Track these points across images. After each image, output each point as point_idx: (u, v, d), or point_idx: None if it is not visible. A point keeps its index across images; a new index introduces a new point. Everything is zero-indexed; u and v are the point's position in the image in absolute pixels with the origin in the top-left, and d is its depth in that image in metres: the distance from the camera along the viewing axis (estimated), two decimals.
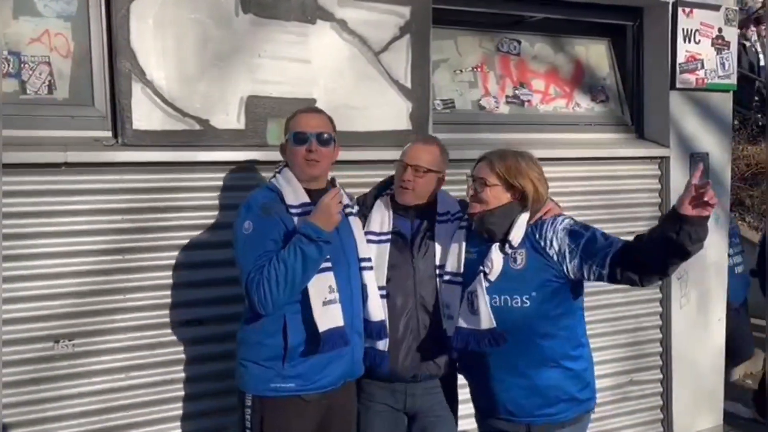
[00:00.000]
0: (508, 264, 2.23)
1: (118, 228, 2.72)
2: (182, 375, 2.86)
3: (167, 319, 2.82)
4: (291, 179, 2.34)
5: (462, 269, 2.35)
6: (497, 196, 2.26)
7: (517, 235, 2.23)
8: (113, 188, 2.71)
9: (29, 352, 2.61)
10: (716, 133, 3.97)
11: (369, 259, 2.40)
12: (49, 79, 2.72)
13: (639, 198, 3.85)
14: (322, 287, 2.24)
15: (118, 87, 2.72)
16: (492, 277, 2.22)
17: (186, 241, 2.83)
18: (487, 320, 2.19)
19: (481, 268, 2.24)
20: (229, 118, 2.89)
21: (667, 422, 3.96)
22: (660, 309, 3.90)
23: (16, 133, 2.57)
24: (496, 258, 2.23)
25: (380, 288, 2.40)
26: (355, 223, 2.44)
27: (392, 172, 2.52)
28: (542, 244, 2.22)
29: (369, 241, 2.43)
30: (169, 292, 2.81)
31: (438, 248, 2.43)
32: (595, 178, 3.71)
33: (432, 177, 2.45)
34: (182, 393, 2.86)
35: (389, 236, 2.44)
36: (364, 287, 2.38)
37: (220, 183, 2.88)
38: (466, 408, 2.56)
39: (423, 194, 2.45)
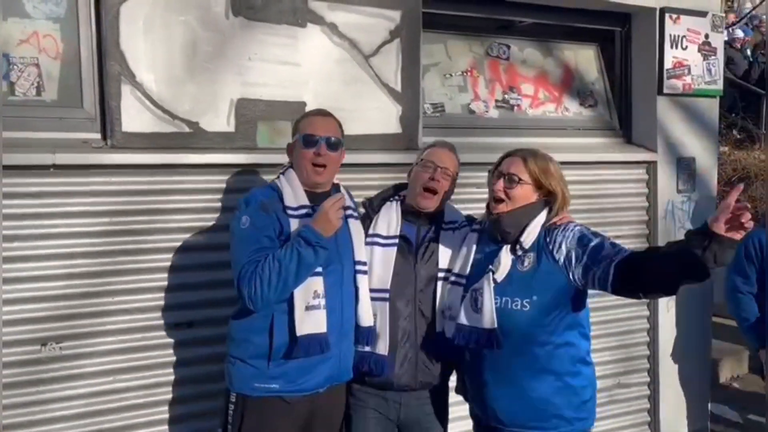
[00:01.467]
0: (515, 266, 2.21)
1: (106, 230, 2.71)
2: (172, 378, 2.85)
3: (157, 322, 2.81)
4: (293, 181, 2.34)
5: (468, 271, 2.32)
6: (526, 195, 2.23)
7: (529, 237, 2.21)
8: (102, 190, 2.70)
9: (16, 354, 2.59)
10: (703, 138, 4.01)
11: (364, 263, 2.39)
12: (37, 80, 2.70)
13: (626, 202, 3.88)
14: (307, 291, 2.23)
15: (108, 89, 2.71)
16: (498, 278, 2.20)
17: (175, 244, 2.82)
18: (489, 320, 2.17)
19: (490, 267, 2.21)
20: (219, 120, 2.89)
21: (654, 424, 3.99)
22: (647, 312, 3.92)
23: (4, 134, 2.55)
24: (504, 259, 2.21)
25: (383, 290, 2.38)
26: (354, 226, 2.42)
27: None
28: (551, 247, 2.19)
29: (376, 244, 2.41)
30: (158, 295, 2.80)
31: (441, 255, 2.42)
32: (583, 182, 3.72)
33: (453, 183, 2.48)
34: (172, 396, 2.85)
35: (396, 240, 2.42)
36: (356, 290, 2.37)
37: (210, 186, 2.87)
38: (455, 420, 2.58)
39: (443, 199, 2.46)
